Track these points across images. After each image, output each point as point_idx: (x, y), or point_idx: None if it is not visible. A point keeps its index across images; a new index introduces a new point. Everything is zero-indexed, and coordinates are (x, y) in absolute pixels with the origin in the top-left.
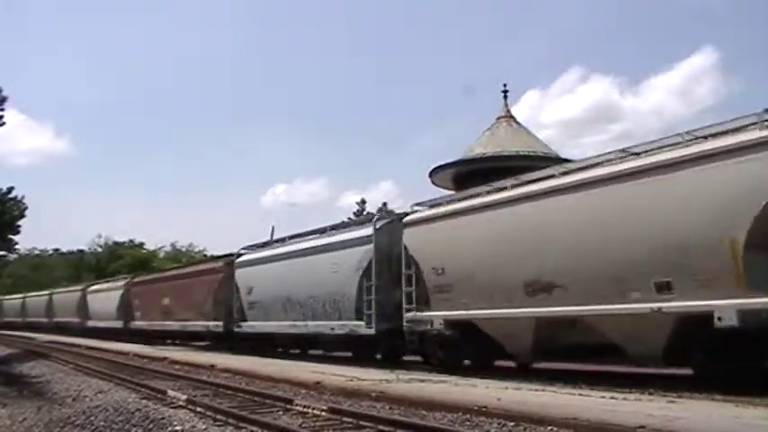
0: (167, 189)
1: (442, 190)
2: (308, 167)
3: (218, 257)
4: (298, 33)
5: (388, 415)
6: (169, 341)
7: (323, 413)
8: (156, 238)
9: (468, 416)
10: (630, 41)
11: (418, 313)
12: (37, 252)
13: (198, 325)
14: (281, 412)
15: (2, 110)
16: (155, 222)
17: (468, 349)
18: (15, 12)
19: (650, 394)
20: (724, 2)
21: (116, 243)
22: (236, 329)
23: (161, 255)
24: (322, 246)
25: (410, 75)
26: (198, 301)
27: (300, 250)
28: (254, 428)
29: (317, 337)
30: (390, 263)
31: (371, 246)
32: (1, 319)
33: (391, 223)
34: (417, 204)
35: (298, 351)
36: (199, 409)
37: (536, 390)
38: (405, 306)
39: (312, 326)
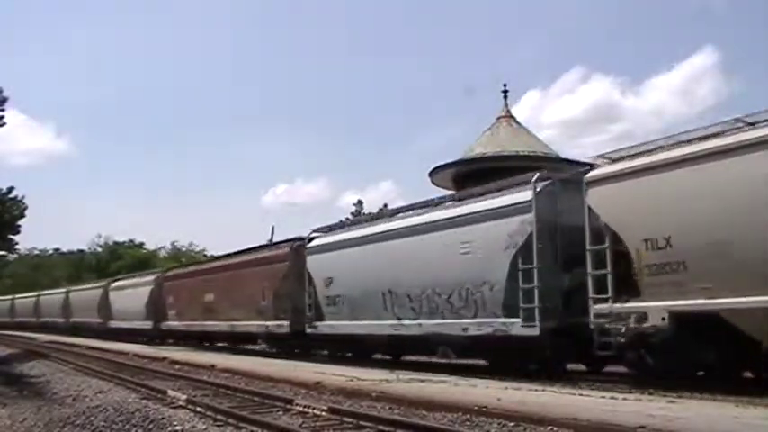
0: (167, 189)
1: (442, 190)
2: (308, 167)
3: (282, 242)
4: (298, 33)
5: (388, 415)
6: (207, 343)
7: (323, 413)
8: (156, 238)
9: (468, 416)
10: (632, 41)
11: (618, 305)
12: (37, 252)
13: (252, 325)
14: (281, 412)
15: (2, 110)
16: (155, 222)
17: (704, 354)
18: (16, 11)
19: (650, 394)
20: (725, 2)
21: (116, 243)
22: (310, 330)
23: (161, 255)
24: (446, 220)
25: (410, 75)
26: (253, 297)
27: (409, 228)
28: (254, 428)
29: (436, 339)
30: (554, 238)
31: (531, 215)
32: (12, 319)
33: (562, 184)
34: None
35: (388, 357)
36: (199, 409)
37: (536, 390)
38: (592, 296)
39: (430, 325)
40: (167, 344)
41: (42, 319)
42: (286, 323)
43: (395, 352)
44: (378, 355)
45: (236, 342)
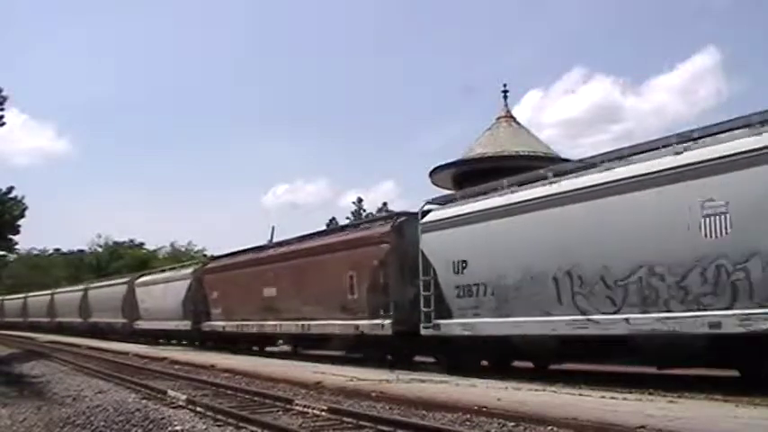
0: (167, 189)
1: (442, 190)
2: (308, 167)
3: (377, 219)
4: (298, 33)
5: (388, 415)
6: (262, 348)
7: (323, 413)
8: (156, 238)
9: (468, 416)
10: (633, 41)
11: None
12: (36, 252)
13: (335, 325)
14: (280, 412)
15: (2, 110)
16: (155, 222)
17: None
18: (17, 11)
19: (650, 394)
20: (727, 2)
21: (116, 243)
22: (428, 331)
23: (161, 255)
24: (675, 169)
25: (410, 75)
26: (336, 290)
27: (603, 186)
28: (254, 428)
29: (656, 340)
30: None
31: None
32: (24, 319)
33: None
34: None
35: (562, 366)
36: (199, 409)
37: (536, 390)
38: None
39: (644, 322)
40: (209, 348)
41: (57, 320)
42: (387, 322)
43: (568, 359)
44: (534, 364)
45: (308, 346)
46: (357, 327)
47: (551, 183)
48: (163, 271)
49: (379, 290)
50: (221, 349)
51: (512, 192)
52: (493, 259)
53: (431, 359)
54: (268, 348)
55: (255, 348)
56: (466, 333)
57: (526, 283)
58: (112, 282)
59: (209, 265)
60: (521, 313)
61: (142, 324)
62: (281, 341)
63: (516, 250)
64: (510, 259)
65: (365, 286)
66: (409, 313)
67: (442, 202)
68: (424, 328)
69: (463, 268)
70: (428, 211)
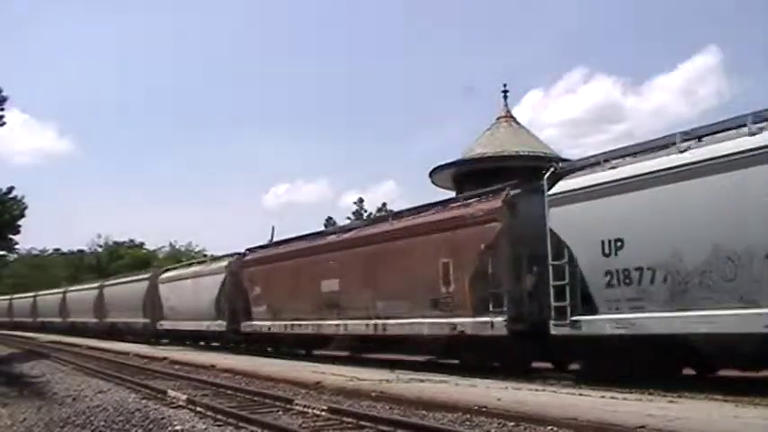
0: (167, 189)
1: (442, 191)
2: (309, 167)
3: (476, 195)
4: (298, 33)
5: (387, 415)
6: (316, 351)
7: (323, 413)
8: (156, 238)
9: (468, 416)
10: (634, 41)
11: None
12: (36, 252)
13: (422, 324)
14: (280, 412)
15: (2, 110)
16: (155, 222)
17: None
18: (18, 11)
19: (650, 394)
20: (728, 1)
21: (116, 243)
22: (560, 330)
23: (161, 255)
24: None
25: (412, 74)
26: (422, 282)
27: None
28: (254, 428)
29: None
30: None
31: None
32: (35, 319)
33: None
34: None
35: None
36: (199, 409)
37: (536, 390)
38: None
39: None
40: (251, 351)
41: (70, 320)
42: (498, 320)
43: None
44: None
45: (379, 350)
46: (454, 326)
47: (757, 132)
48: (190, 265)
49: (487, 280)
50: (261, 353)
51: (692, 147)
52: (664, 236)
53: (547, 365)
54: (319, 351)
55: (303, 352)
56: (620, 332)
57: (717, 264)
58: (132, 278)
59: (249, 257)
60: (708, 305)
61: (166, 324)
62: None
63: (701, 222)
64: (691, 235)
65: (466, 276)
66: (527, 308)
67: (576, 168)
68: (557, 326)
69: (617, 249)
70: (557, 180)
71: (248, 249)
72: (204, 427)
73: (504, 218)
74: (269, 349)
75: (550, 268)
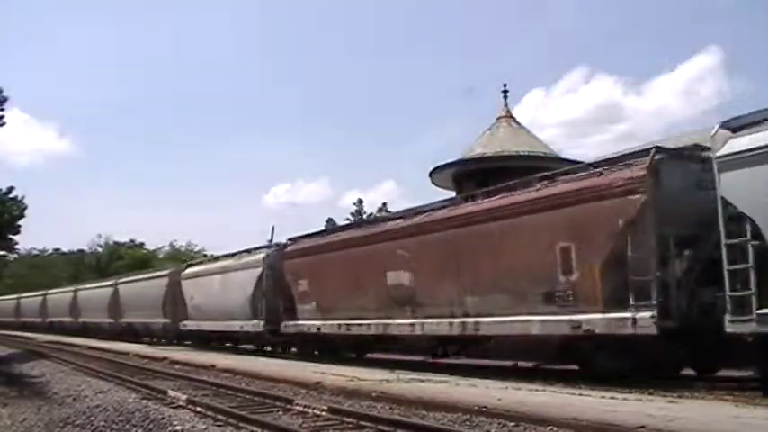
0: (168, 189)
1: (442, 191)
2: (309, 167)
3: (612, 160)
4: (298, 33)
5: (388, 415)
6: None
7: (323, 413)
8: (156, 238)
9: (468, 416)
10: (636, 41)
11: None
12: (36, 252)
13: (532, 322)
14: (281, 412)
15: (2, 110)
16: (155, 222)
17: None
18: (18, 11)
19: (650, 394)
20: (729, 1)
21: (116, 243)
22: (748, 327)
23: (161, 255)
24: None
25: (412, 74)
26: (532, 270)
27: None
28: (255, 428)
29: None
30: None
31: None
32: (44, 320)
33: None
34: None
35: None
36: (199, 409)
37: (536, 390)
38: None
39: None
40: (296, 355)
41: (82, 320)
42: (644, 316)
43: None
44: (377, 355)
45: (465, 352)
46: (577, 324)
47: None
48: (216, 259)
49: (625, 266)
50: (309, 356)
51: None
52: None
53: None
54: (379, 355)
55: (352, 355)
56: None
57: None
58: (151, 275)
59: (292, 248)
60: None
61: (190, 325)
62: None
63: None
64: None
65: (596, 262)
66: (676, 301)
67: (754, 121)
68: (737, 322)
69: None
70: (727, 139)
71: (290, 239)
72: (204, 427)
73: (648, 188)
74: (315, 353)
75: (724, 249)
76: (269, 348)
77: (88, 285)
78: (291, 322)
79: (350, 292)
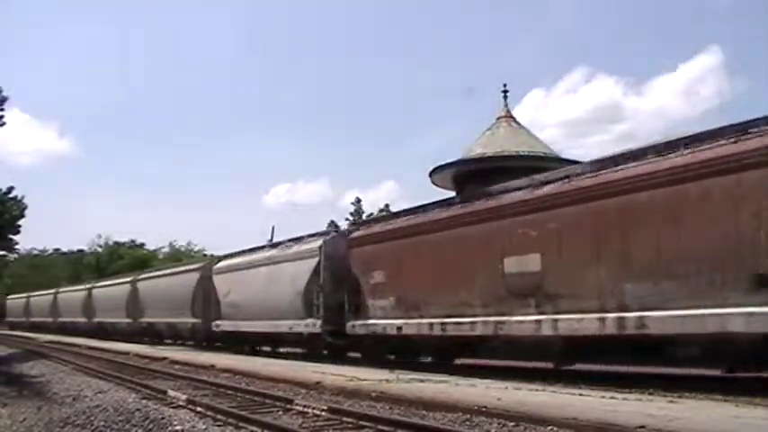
0: (168, 189)
1: (443, 191)
2: (310, 167)
3: None
4: (298, 33)
5: (388, 415)
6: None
7: (323, 413)
8: (156, 238)
9: (468, 416)
10: (636, 41)
11: None
12: (36, 252)
13: (734, 317)
14: (281, 412)
15: (2, 110)
16: (155, 222)
17: None
18: (19, 11)
19: (650, 394)
20: (730, 1)
21: (116, 243)
22: None
23: (161, 255)
24: None
25: (412, 74)
26: (732, 247)
27: None
28: (254, 428)
29: None
30: None
31: None
32: (55, 319)
33: None
34: None
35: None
36: (199, 409)
37: (536, 390)
38: None
39: None
40: (358, 362)
41: (96, 320)
42: None
43: None
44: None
45: (619, 358)
46: None
47: None
48: (254, 250)
49: None
50: (382, 362)
51: None
52: None
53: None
54: (477, 361)
55: (428, 360)
56: None
57: None
58: (177, 269)
59: (360, 233)
60: None
61: (225, 325)
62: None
63: None
64: None
65: None
66: None
67: None
68: None
69: None
70: None
71: (354, 223)
72: (204, 427)
73: None
74: (391, 357)
75: None
76: (325, 352)
77: (104, 282)
78: (360, 321)
79: (446, 283)
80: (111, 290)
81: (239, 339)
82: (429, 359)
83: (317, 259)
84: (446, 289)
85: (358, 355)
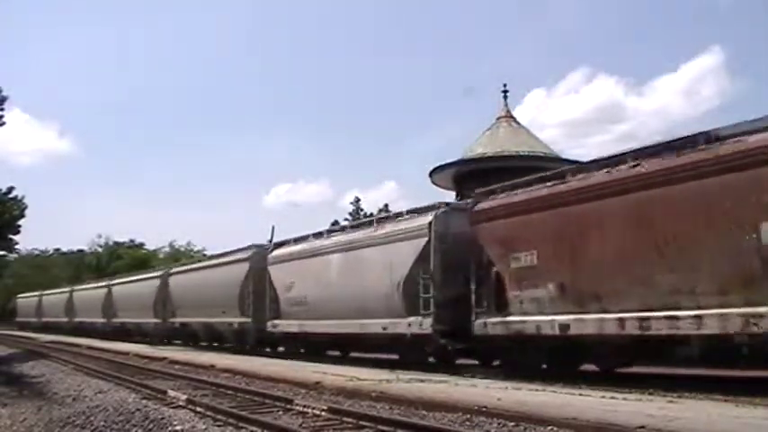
0: (168, 189)
1: (443, 191)
2: (310, 167)
3: None
4: (298, 33)
5: (388, 415)
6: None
7: (323, 413)
8: (156, 238)
9: (469, 416)
10: (637, 42)
11: None
12: (37, 252)
13: None
14: (281, 412)
15: (2, 109)
16: (155, 222)
17: None
18: (20, 11)
19: (650, 394)
20: (731, 1)
21: (116, 243)
22: None
23: (161, 255)
24: None
25: (412, 74)
26: None
27: None
28: (254, 428)
29: None
30: None
31: None
32: (71, 320)
33: None
34: None
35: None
36: (199, 409)
37: (536, 390)
38: None
39: None
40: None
41: (119, 320)
42: None
43: None
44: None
45: None
46: None
47: None
48: (323, 234)
49: None
50: (528, 377)
51: None
52: None
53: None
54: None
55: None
56: None
57: None
58: (216, 261)
59: (491, 204)
60: None
61: (287, 325)
62: None
63: None
64: None
65: None
66: None
67: None
68: None
69: None
70: None
71: (482, 192)
72: (204, 427)
73: None
74: (544, 366)
75: None
76: (431, 359)
77: (126, 279)
78: (495, 319)
79: (650, 262)
80: (136, 286)
81: (307, 342)
82: (597, 368)
83: (423, 240)
84: (648, 271)
85: (475, 362)
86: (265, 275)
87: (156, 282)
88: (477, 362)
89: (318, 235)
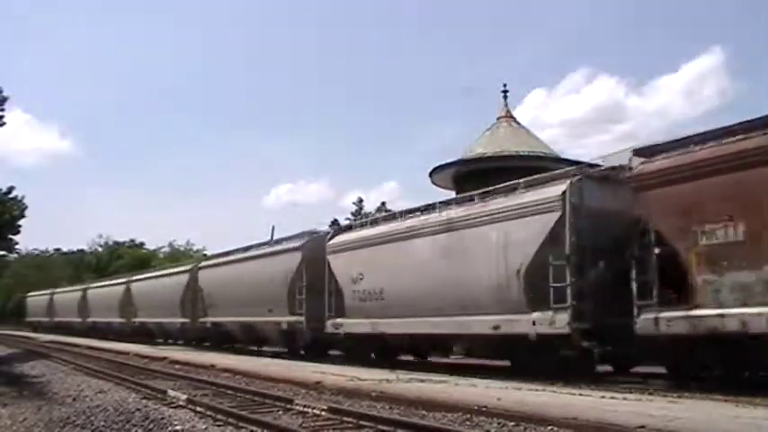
0: (168, 189)
1: (443, 191)
2: (310, 167)
3: None
4: (298, 33)
5: (387, 415)
6: None
7: (323, 413)
8: (156, 238)
9: (468, 416)
10: (638, 42)
11: None
12: (37, 252)
13: None
14: (281, 412)
15: (2, 110)
16: (155, 222)
17: None
18: (20, 11)
19: (650, 394)
20: (732, 1)
21: (116, 243)
22: None
23: (161, 255)
24: None
25: (412, 74)
26: None
27: None
28: (254, 428)
29: None
30: None
31: None
32: (84, 319)
33: None
34: None
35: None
36: (199, 408)
37: (536, 390)
38: None
39: None
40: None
41: (138, 320)
42: None
43: None
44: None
45: None
46: None
47: None
48: (410, 212)
49: None
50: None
51: None
52: None
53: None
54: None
55: None
56: None
57: None
58: (255, 252)
59: (655, 165)
60: None
61: (354, 324)
62: None
63: None
64: None
65: None
66: None
67: None
68: None
69: None
70: None
71: (641, 149)
72: (204, 427)
73: None
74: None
75: None
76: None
77: (148, 274)
78: (676, 314)
79: None
80: (160, 283)
81: (377, 345)
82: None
83: (555, 215)
84: None
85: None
86: (323, 266)
87: (185, 277)
88: (614, 368)
89: (391, 217)
